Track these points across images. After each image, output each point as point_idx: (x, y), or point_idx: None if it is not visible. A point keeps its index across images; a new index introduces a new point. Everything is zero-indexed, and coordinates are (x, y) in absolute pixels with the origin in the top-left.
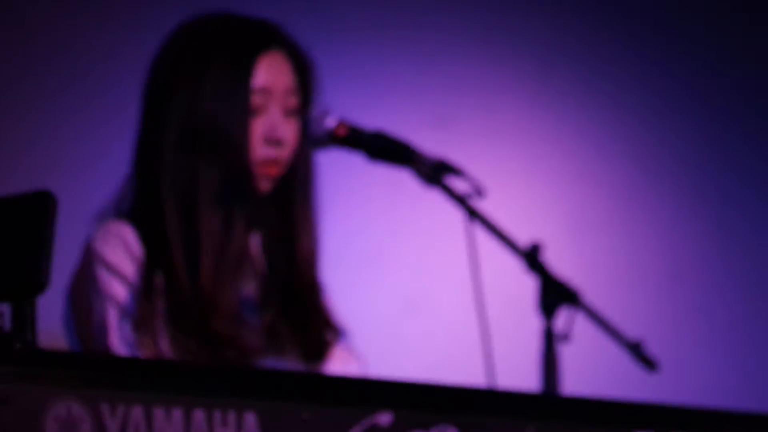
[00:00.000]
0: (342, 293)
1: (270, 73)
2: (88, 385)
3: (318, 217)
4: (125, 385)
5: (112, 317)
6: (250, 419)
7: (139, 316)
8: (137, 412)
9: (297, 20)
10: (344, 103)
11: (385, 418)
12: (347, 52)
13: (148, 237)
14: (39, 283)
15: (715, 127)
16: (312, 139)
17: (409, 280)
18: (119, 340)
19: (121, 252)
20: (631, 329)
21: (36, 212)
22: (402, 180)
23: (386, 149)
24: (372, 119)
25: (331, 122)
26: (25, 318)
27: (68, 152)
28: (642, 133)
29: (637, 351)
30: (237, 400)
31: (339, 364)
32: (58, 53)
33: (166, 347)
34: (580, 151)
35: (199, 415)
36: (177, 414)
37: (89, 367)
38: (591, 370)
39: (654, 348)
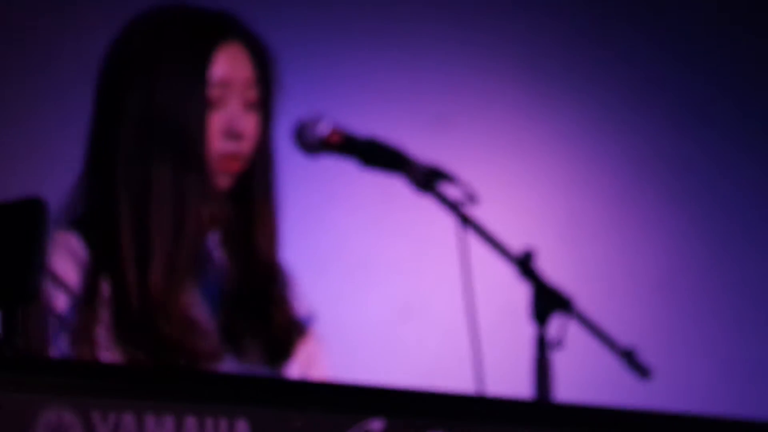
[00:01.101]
0: (334, 299)
1: (228, 65)
2: (78, 392)
3: (278, 213)
4: (116, 392)
5: (52, 331)
6: (242, 426)
7: (78, 327)
8: (128, 420)
9: (293, 23)
10: (339, 107)
11: (376, 425)
12: (342, 57)
13: (96, 241)
14: (30, 290)
15: (709, 133)
16: (305, 145)
17: (402, 286)
18: (58, 354)
19: (66, 262)
20: (624, 336)
21: (27, 219)
22: (395, 186)
23: (379, 156)
24: (366, 124)
25: (324, 128)
26: (16, 325)
27: (63, 156)
28: (636, 140)
29: (629, 358)
30: (229, 407)
31: (304, 357)
32: (54, 56)
33: (106, 359)
34: (574, 158)
35: (190, 421)
36: (168, 421)
37: (80, 375)
38: (584, 377)
39: (647, 355)
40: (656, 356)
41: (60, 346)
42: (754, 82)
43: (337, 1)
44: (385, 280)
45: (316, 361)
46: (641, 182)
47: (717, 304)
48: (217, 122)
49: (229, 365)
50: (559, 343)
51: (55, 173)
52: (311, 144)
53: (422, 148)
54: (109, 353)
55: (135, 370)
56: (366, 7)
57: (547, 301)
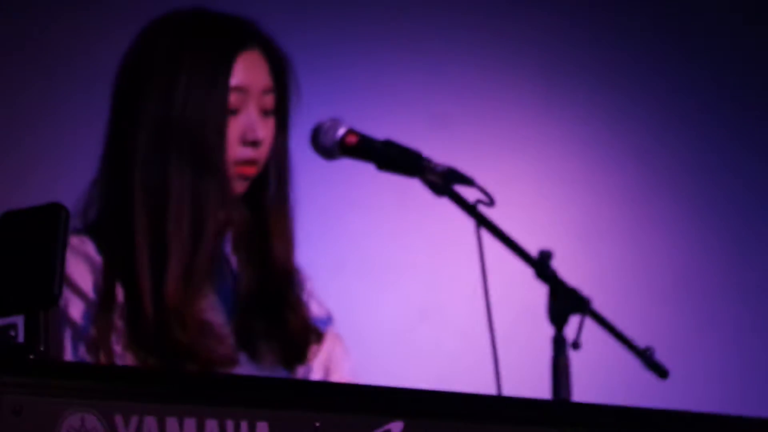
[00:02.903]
0: (351, 302)
1: (247, 72)
2: (101, 396)
3: (293, 216)
4: (138, 395)
5: (68, 339)
6: (262, 428)
7: (94, 335)
8: (150, 423)
9: (300, 25)
10: (349, 109)
11: (396, 427)
12: (351, 58)
13: (111, 246)
14: (51, 295)
15: (724, 134)
16: (322, 149)
17: (420, 288)
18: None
19: (81, 268)
20: (641, 336)
21: (48, 224)
22: (412, 188)
23: (396, 159)
24: (377, 126)
25: (341, 132)
26: (38, 330)
27: (80, 160)
28: (651, 140)
29: (647, 358)
30: (249, 410)
31: (323, 359)
32: (70, 61)
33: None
34: (589, 160)
35: (211, 424)
36: (190, 424)
37: (102, 378)
38: (601, 377)
39: (663, 355)
40: (673, 356)
41: (77, 355)
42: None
43: (344, 3)
44: (402, 282)
45: (338, 362)
46: (656, 182)
47: (733, 302)
48: (234, 129)
49: (244, 369)
50: (576, 343)
51: (68, 177)
52: (328, 147)
53: (435, 150)
54: (123, 361)
55: (157, 374)
56: (374, 8)
57: (565, 302)
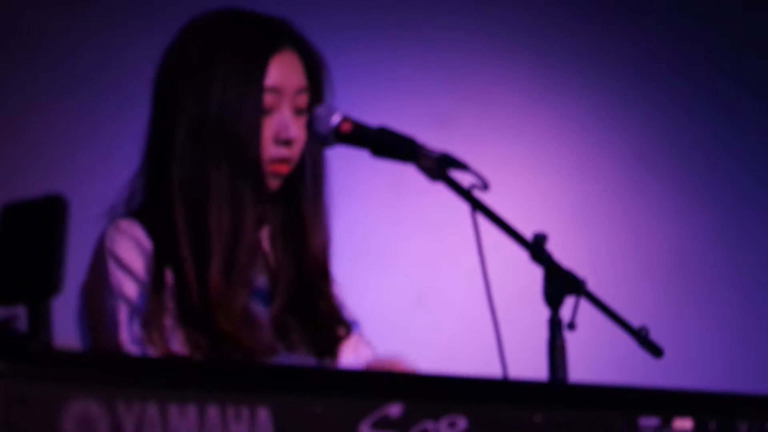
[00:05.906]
0: (350, 287)
1: (282, 73)
2: (103, 384)
3: (328, 212)
4: (140, 383)
5: (123, 315)
6: (263, 414)
7: (149, 313)
8: (152, 410)
9: (299, 17)
10: (345, 101)
11: (395, 410)
12: (348, 50)
13: (157, 234)
14: (53, 285)
15: (718, 117)
16: (317, 137)
17: (417, 273)
18: (129, 338)
19: (132, 250)
20: (636, 316)
21: (49, 216)
22: (407, 173)
23: (391, 145)
24: (373, 117)
25: (335, 119)
26: (40, 319)
27: (79, 153)
28: (644, 124)
29: (642, 337)
30: (250, 396)
31: (352, 353)
32: (67, 55)
33: (177, 345)
34: (583, 144)
35: (212, 411)
36: (191, 410)
37: (105, 367)
38: (597, 357)
39: (659, 335)
40: (668, 335)
41: (134, 332)
42: (765, 68)
43: None
44: (400, 267)
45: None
46: (650, 166)
47: (727, 283)
48: (269, 128)
49: (282, 359)
50: (572, 325)
51: (69, 169)
52: (323, 135)
53: (429, 139)
54: (177, 340)
55: (157, 362)
56: (372, 1)
57: (560, 284)
